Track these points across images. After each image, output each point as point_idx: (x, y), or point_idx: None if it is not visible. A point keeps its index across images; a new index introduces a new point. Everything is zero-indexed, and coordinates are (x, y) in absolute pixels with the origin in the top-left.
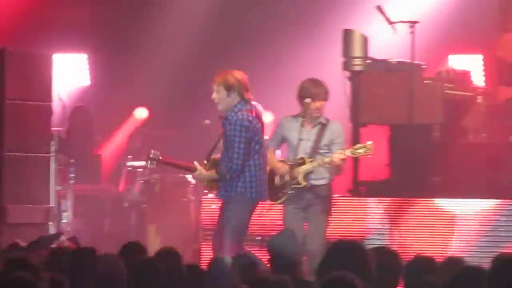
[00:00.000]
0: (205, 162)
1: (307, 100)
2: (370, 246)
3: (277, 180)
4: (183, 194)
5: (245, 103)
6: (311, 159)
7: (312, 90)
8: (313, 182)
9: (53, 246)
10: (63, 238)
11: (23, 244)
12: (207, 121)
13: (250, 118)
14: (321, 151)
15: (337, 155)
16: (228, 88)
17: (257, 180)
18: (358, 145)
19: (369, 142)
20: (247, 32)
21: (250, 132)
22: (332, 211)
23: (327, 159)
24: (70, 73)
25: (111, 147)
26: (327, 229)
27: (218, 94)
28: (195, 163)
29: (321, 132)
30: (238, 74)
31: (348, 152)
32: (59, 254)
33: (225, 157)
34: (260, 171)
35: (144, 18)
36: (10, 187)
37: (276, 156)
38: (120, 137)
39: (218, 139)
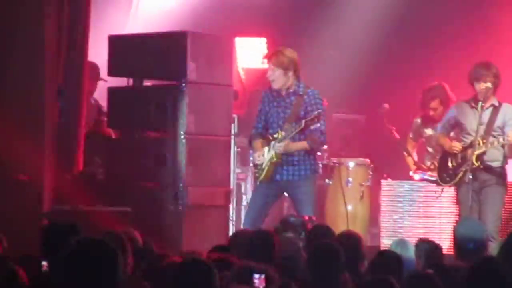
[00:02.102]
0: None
1: (476, 83)
2: None
3: (449, 162)
4: (362, 177)
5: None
6: (484, 141)
7: (478, 72)
8: (488, 163)
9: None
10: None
11: None
12: (386, 105)
13: None
14: (494, 133)
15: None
16: (285, 67)
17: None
18: None
19: None
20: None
21: None
22: (507, 194)
23: (501, 140)
24: (250, 56)
25: None
26: (503, 212)
27: (274, 73)
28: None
29: (494, 114)
30: (292, 54)
31: None
32: (239, 237)
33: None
34: None
35: (323, 3)
36: (191, 169)
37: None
38: None
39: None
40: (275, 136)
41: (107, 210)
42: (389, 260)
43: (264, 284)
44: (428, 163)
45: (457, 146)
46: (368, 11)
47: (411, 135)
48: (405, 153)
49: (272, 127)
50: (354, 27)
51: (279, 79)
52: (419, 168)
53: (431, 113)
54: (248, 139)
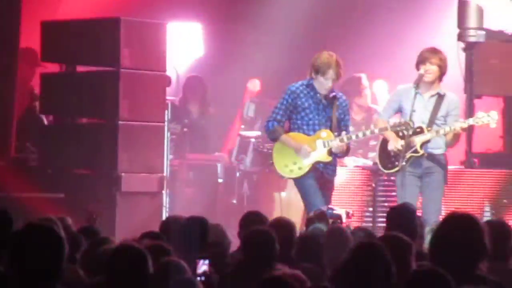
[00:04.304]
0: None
1: (421, 66)
2: (484, 219)
3: (390, 146)
4: None
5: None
6: (429, 129)
7: (425, 55)
8: (431, 151)
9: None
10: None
11: None
12: None
13: None
14: (438, 121)
15: (459, 124)
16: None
17: None
18: (481, 113)
19: (494, 112)
20: (361, 3)
21: None
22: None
23: (447, 128)
24: (184, 43)
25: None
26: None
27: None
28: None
29: (438, 103)
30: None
31: (471, 121)
32: (171, 223)
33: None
34: None
35: None
36: (125, 155)
37: None
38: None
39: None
40: (341, 136)
41: (40, 196)
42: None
43: (208, 270)
44: (361, 151)
45: (398, 145)
46: None
47: None
48: None
49: (313, 124)
50: (290, 12)
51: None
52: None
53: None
54: (272, 129)
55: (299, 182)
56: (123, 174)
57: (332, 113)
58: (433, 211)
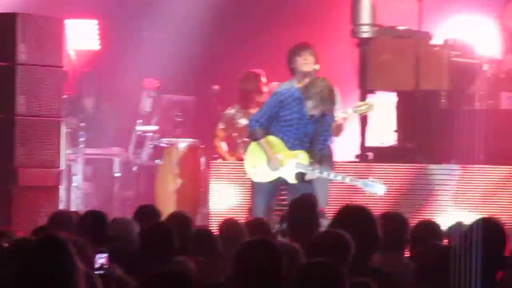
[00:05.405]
0: None
1: (297, 58)
2: (377, 212)
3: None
4: (193, 158)
5: None
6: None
7: (298, 47)
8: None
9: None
10: None
11: None
12: (216, 87)
13: None
14: None
15: (340, 115)
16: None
17: None
18: (359, 103)
19: (370, 99)
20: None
21: None
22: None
23: None
24: (80, 38)
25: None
26: (332, 194)
27: None
28: None
29: None
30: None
31: (350, 111)
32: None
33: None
34: None
35: None
36: (21, 150)
37: None
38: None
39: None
40: (316, 167)
41: None
42: None
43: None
44: (242, 151)
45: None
46: None
47: (222, 126)
48: (216, 145)
49: (294, 138)
50: (183, 9)
51: None
52: (233, 156)
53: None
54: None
55: (255, 183)
56: (19, 168)
57: (314, 130)
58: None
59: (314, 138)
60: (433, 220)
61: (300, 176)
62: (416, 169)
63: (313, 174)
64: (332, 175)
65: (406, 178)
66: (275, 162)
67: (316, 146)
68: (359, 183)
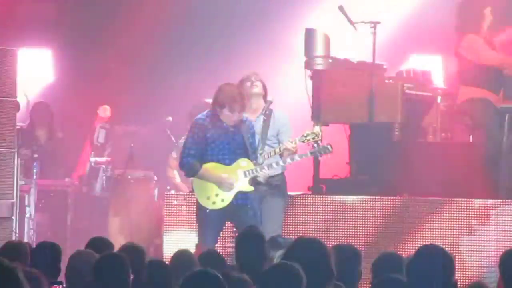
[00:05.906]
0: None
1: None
2: (330, 244)
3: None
4: (146, 189)
5: None
6: (261, 152)
7: (246, 74)
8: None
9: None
10: None
11: None
12: (169, 118)
13: None
14: (269, 141)
15: (288, 144)
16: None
17: None
18: (306, 132)
19: (317, 127)
20: (211, 31)
21: None
22: (288, 201)
23: (277, 149)
24: (34, 69)
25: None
26: (286, 225)
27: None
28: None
29: (266, 123)
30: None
31: (297, 140)
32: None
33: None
34: None
35: (110, 15)
36: None
37: None
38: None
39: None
40: (260, 164)
41: None
42: None
43: None
44: None
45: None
46: (151, 25)
47: (175, 155)
48: (168, 175)
49: (228, 153)
50: (137, 40)
51: None
52: (186, 184)
53: None
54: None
55: (206, 215)
56: None
57: (242, 138)
58: (271, 231)
59: (245, 144)
60: (394, 251)
61: (254, 181)
62: (369, 201)
63: (263, 173)
64: (281, 162)
65: (359, 210)
66: (225, 182)
67: (251, 149)
68: (308, 154)
